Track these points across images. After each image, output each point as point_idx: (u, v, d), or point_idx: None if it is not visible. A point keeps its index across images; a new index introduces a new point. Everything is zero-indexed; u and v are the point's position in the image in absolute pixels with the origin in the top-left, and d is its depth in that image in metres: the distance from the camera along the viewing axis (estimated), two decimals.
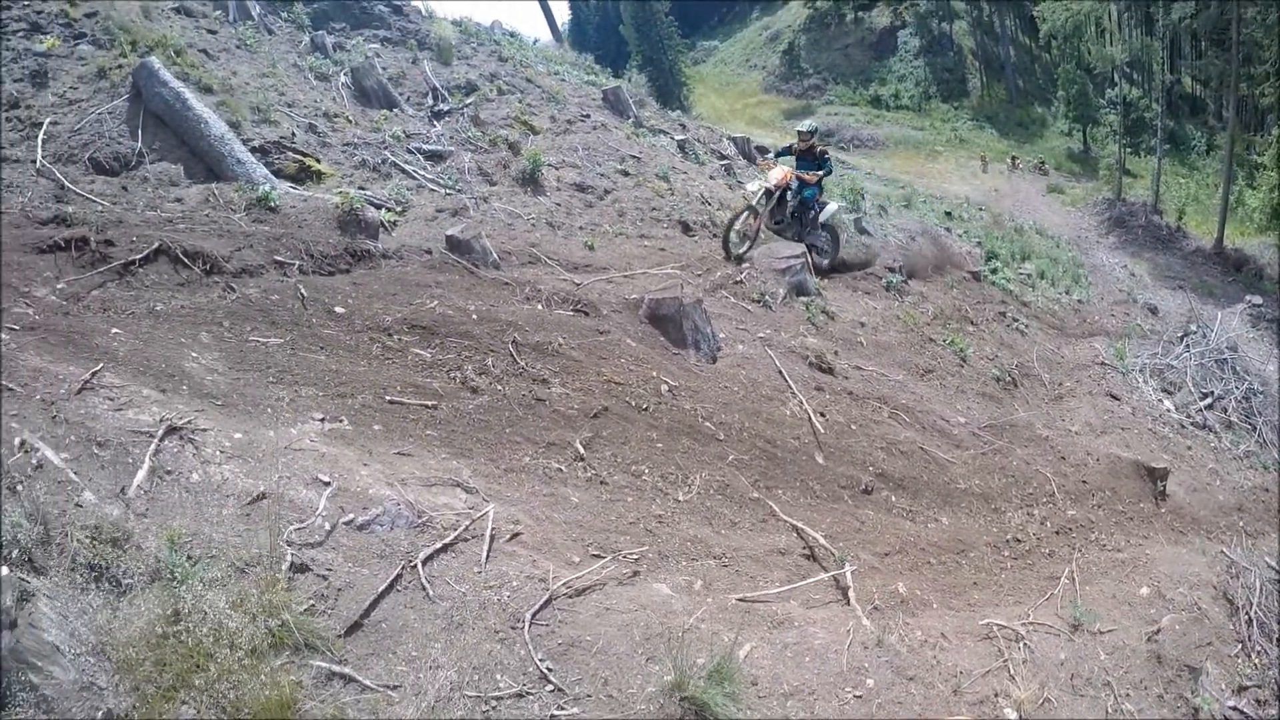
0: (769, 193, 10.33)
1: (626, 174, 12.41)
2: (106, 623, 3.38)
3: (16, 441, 4.05)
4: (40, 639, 3.18)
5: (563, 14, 49.42)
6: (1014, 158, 33.69)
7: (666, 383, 6.65)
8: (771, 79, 45.11)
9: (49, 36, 9.17)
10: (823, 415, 7.10)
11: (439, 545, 4.22)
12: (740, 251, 9.94)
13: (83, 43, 9.27)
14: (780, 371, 7.52)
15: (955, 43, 41.87)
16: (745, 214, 10.10)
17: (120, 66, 8.80)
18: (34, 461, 3.96)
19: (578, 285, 7.66)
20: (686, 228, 11.36)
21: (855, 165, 28.37)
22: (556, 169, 11.01)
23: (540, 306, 6.93)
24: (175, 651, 3.30)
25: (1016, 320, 12.42)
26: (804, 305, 9.21)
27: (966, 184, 30.11)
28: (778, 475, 6.24)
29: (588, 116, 14.23)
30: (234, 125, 8.17)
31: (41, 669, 3.14)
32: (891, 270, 11.58)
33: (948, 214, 20.88)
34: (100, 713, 3.14)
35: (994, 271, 14.42)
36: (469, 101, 12.00)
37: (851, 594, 5.03)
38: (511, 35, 19.15)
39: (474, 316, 6.23)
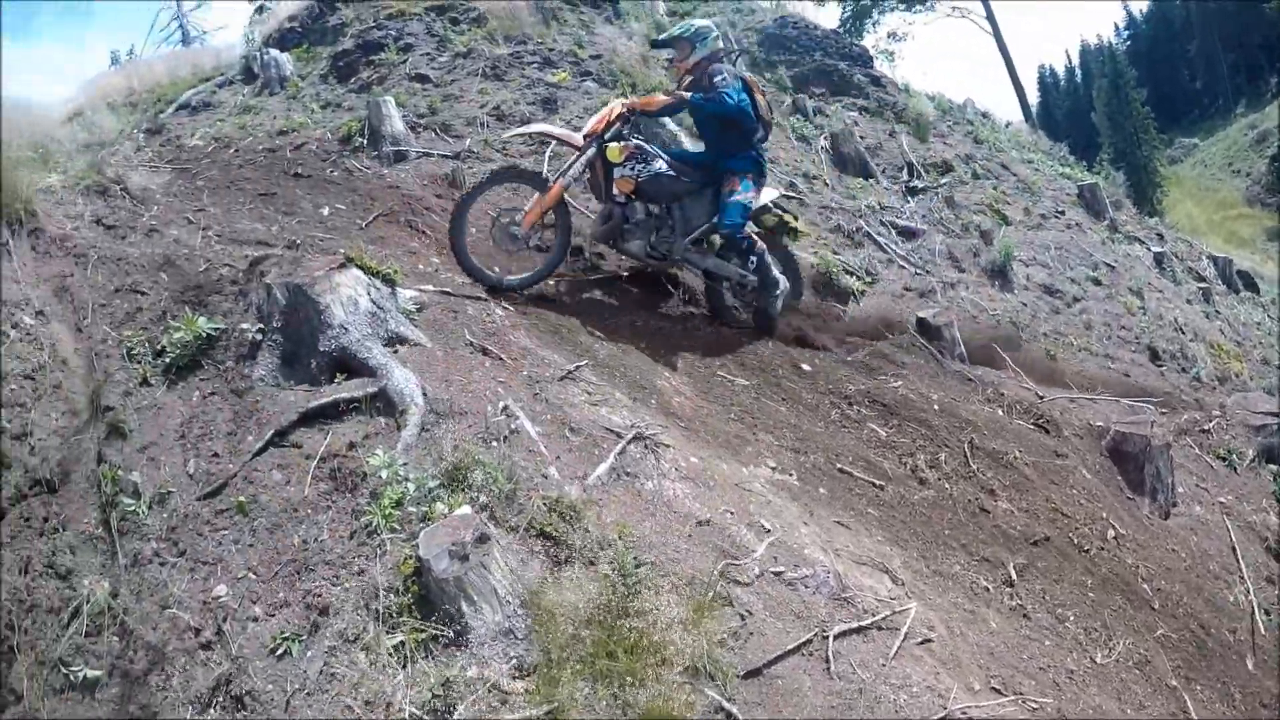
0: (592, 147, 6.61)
1: (1098, 283, 11.74)
2: (539, 585, 3.90)
3: (500, 405, 4.89)
4: (485, 578, 3.77)
5: (1031, 95, 47.87)
6: None
7: (1114, 528, 6.16)
8: (1255, 189, 39.91)
9: (560, 70, 11.09)
10: (1267, 614, 6.15)
11: (854, 625, 4.26)
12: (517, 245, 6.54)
13: (589, 80, 11.10)
14: (1234, 549, 6.66)
15: None
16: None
17: None
18: (512, 426, 4.75)
19: (1040, 398, 7.39)
20: (1155, 355, 10.54)
21: None
22: (1026, 265, 10.72)
23: (1000, 412, 6.78)
24: (595, 631, 3.69)
25: None
26: (1272, 475, 8.04)
27: None
28: (1201, 669, 5.47)
29: (1062, 213, 13.69)
30: None
31: (476, 603, 3.74)
32: None
33: None
34: (511, 661, 3.64)
35: None
36: (943, 181, 12.16)
37: None
38: (984, 116, 19.03)
39: (935, 406, 6.27)
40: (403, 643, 3.75)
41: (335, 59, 11.55)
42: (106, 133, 10.26)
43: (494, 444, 4.56)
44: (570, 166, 6.61)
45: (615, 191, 6.60)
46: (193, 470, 4.62)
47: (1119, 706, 4.88)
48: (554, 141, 7.53)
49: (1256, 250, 30.03)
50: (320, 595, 4.07)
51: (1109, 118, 40.77)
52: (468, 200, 6.53)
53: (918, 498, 5.56)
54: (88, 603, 4.29)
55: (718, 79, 6.41)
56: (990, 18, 26.32)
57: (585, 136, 6.61)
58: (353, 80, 11.09)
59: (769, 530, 4.65)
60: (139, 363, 5.14)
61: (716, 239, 6.83)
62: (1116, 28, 44.19)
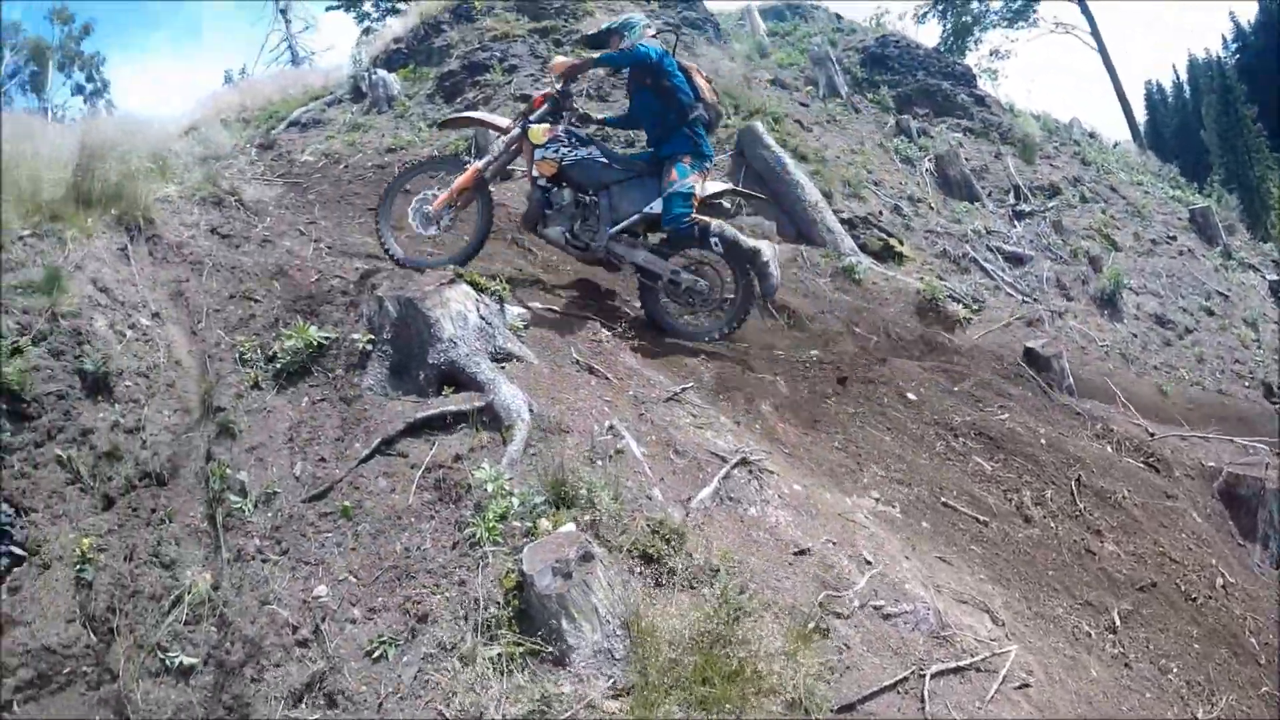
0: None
1: (1210, 313, 11.27)
2: (640, 607, 3.87)
3: (606, 424, 4.94)
4: (587, 596, 3.77)
5: (1139, 112, 45.80)
6: None
7: (1223, 576, 5.85)
8: None
9: None
10: None
11: (952, 665, 4.14)
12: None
13: None
14: None
15: None
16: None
17: (725, 126, 10.29)
18: (617, 446, 4.79)
19: (1151, 436, 7.10)
20: (1270, 391, 10.00)
21: None
22: (1136, 294, 10.32)
23: (1109, 448, 6.54)
24: (694, 657, 3.67)
25: None
26: None
27: None
28: None
29: (1173, 239, 13.15)
30: (826, 195, 9.07)
31: (576, 621, 3.74)
32: None
33: None
34: (608, 681, 3.63)
35: None
36: (1050, 205, 11.80)
37: None
38: (1091, 136, 18.43)
39: (1042, 441, 6.08)
40: (500, 655, 3.77)
41: (441, 79, 11.85)
42: (220, 147, 10.69)
43: (599, 463, 4.61)
44: (492, 150, 6.50)
45: (535, 174, 6.38)
46: (299, 473, 4.77)
47: None
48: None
49: None
50: (419, 602, 4.14)
51: (1219, 136, 38.69)
52: (392, 187, 6.56)
53: (1022, 536, 5.41)
54: (189, 593, 4.49)
55: (630, 41, 6.32)
56: (1095, 33, 25.47)
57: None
58: (458, 100, 11.37)
59: (870, 563, 4.58)
60: (251, 367, 5.36)
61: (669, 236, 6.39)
62: (1224, 40, 41.86)
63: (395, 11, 19.11)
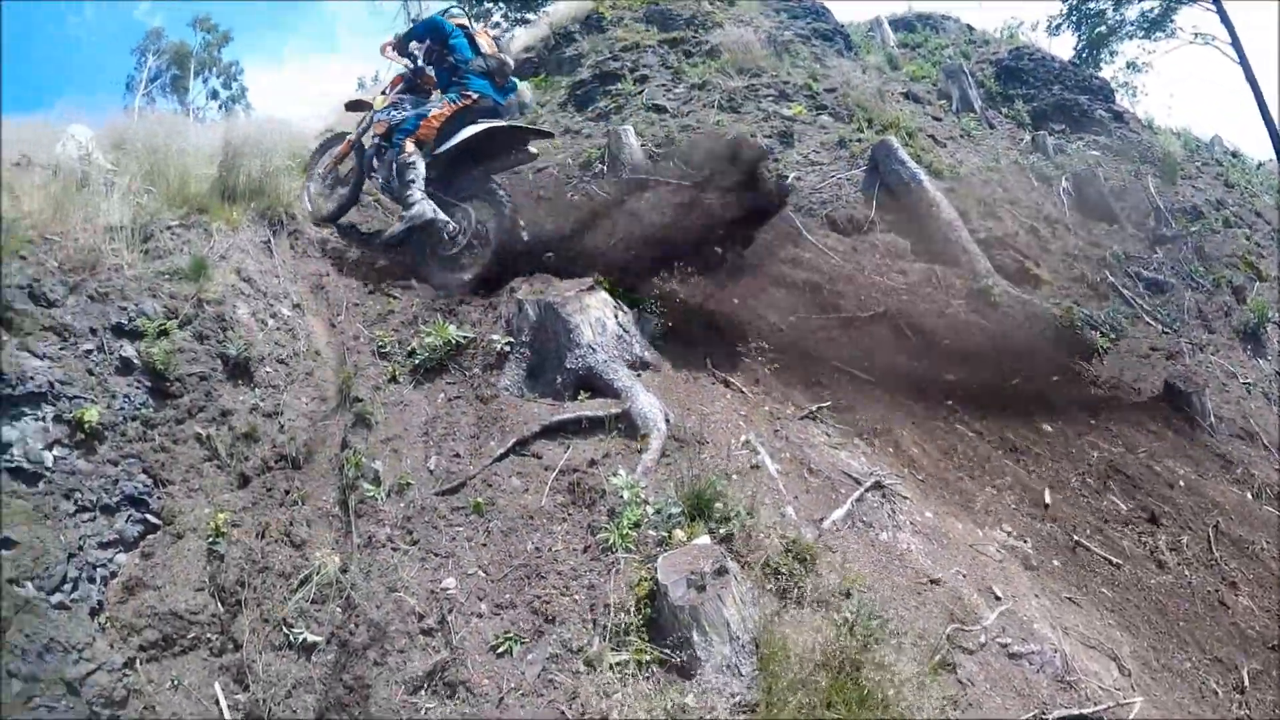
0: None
1: None
2: (770, 624, 3.82)
3: (742, 439, 4.91)
4: (719, 610, 3.76)
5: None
6: None
7: None
8: None
9: (795, 104, 10.94)
10: None
11: (1076, 712, 4.01)
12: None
13: (824, 114, 10.90)
14: None
15: None
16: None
17: (859, 140, 10.13)
18: (753, 461, 4.77)
19: None
20: None
21: None
22: None
23: (1249, 495, 6.14)
24: (823, 678, 3.61)
25: None
26: None
27: None
28: None
29: None
30: (961, 213, 8.76)
31: (707, 634, 3.73)
32: None
33: None
34: (734, 697, 3.60)
35: None
36: (1192, 229, 11.10)
37: None
38: (1234, 156, 17.26)
39: (1180, 483, 5.77)
40: (628, 661, 3.80)
41: (573, 88, 11.88)
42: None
43: (734, 477, 4.57)
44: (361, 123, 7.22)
45: (372, 134, 7.01)
46: (433, 466, 4.88)
47: None
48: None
49: None
50: (548, 602, 4.19)
51: None
52: (311, 161, 7.47)
53: (1154, 582, 5.15)
54: (318, 573, 4.65)
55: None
56: (1236, 44, 23.77)
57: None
58: (590, 109, 11.39)
59: (999, 599, 4.46)
60: (389, 361, 5.53)
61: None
62: None
63: (525, 22, 19.38)
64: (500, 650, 4.04)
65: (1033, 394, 6.26)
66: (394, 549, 4.60)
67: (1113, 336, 7.75)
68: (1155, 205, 11.25)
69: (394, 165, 6.59)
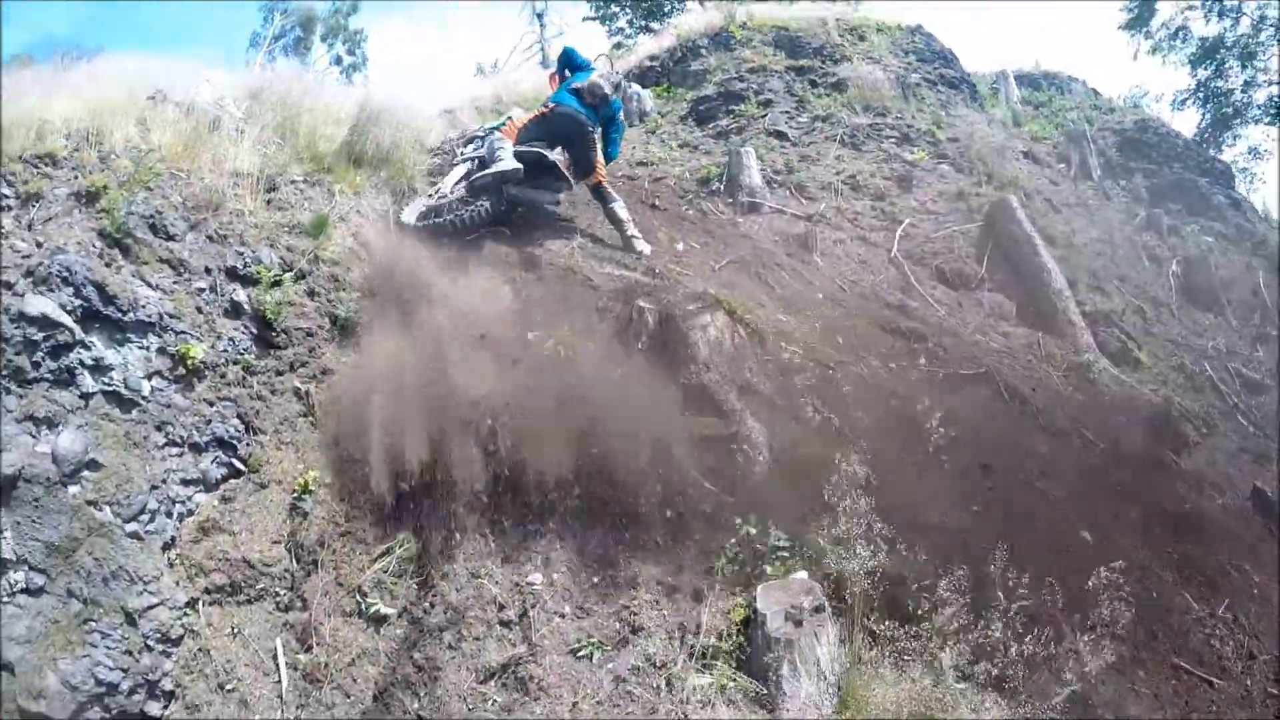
0: None
1: None
2: (857, 671, 3.93)
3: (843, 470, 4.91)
4: (813, 647, 3.88)
5: None
6: None
7: None
8: None
9: (918, 149, 11.01)
10: None
11: None
12: None
13: (944, 163, 10.94)
14: None
15: None
16: None
17: (977, 194, 10.15)
18: (847, 505, 4.66)
19: None
20: None
21: None
22: None
23: None
24: None
25: None
26: None
27: None
28: None
29: None
30: (1071, 283, 8.77)
31: (796, 669, 3.84)
32: None
33: None
34: None
35: None
36: None
37: None
38: None
39: (1256, 591, 5.73)
40: (711, 684, 3.89)
41: (696, 103, 12.04)
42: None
43: (825, 517, 4.55)
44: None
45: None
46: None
47: None
48: None
49: None
50: (636, 614, 4.23)
51: None
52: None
53: (1218, 683, 5.15)
54: (401, 546, 4.72)
55: None
56: None
57: None
58: (710, 125, 11.53)
59: (1069, 680, 4.45)
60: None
61: None
62: None
63: (649, 30, 19.58)
64: (580, 653, 4.10)
65: (1118, 478, 6.28)
66: (481, 534, 4.65)
67: (1204, 431, 7.72)
68: (1263, 301, 11.05)
69: (488, 145, 7.02)
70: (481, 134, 7.59)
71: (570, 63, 7.51)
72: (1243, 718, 4.95)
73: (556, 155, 6.93)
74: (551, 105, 7.13)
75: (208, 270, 5.33)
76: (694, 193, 9.48)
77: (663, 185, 9.50)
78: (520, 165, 6.74)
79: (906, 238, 9.25)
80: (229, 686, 4.31)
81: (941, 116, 12.05)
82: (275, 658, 4.44)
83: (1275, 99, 21.50)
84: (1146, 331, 9.08)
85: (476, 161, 7.09)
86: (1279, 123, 21.60)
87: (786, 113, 11.61)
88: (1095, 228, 10.79)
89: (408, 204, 7.04)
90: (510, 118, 7.55)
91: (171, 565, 4.49)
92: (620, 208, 7.30)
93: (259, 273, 5.48)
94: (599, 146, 7.29)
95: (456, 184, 7.02)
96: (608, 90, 7.19)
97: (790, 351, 6.12)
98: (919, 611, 4.29)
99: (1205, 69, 21.96)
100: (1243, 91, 21.84)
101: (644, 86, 12.95)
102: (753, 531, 4.53)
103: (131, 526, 4.39)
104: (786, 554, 4.45)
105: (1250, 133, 22.67)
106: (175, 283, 5.16)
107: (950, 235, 9.41)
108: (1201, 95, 22.23)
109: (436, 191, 6.95)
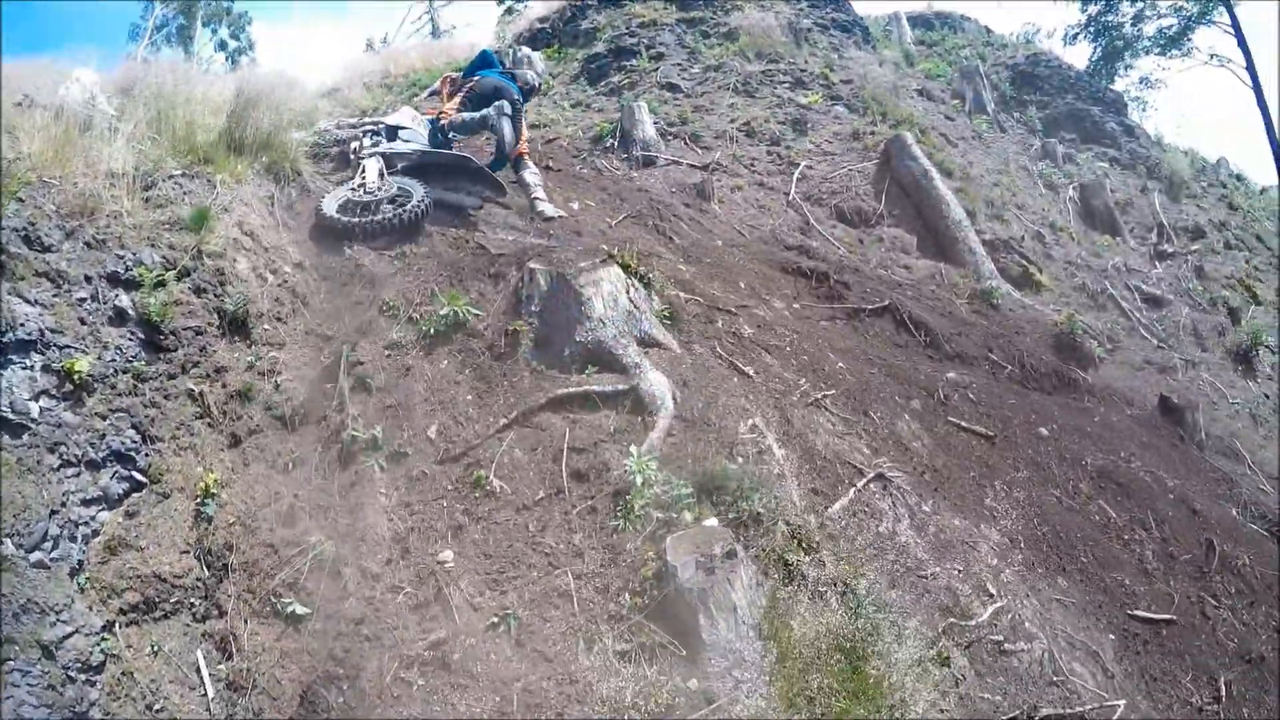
0: None
1: None
2: (775, 612, 3.84)
3: (749, 422, 4.85)
4: (727, 594, 3.75)
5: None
6: None
7: None
8: None
9: (811, 93, 10.92)
10: None
11: (1063, 711, 4.09)
12: None
13: (839, 105, 10.88)
14: None
15: None
16: None
17: (873, 133, 10.11)
18: (761, 445, 4.71)
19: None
20: None
21: None
22: (1274, 353, 9.76)
23: (1235, 511, 6.19)
24: (829, 663, 3.67)
25: None
26: None
27: None
28: None
29: None
30: (970, 214, 8.77)
31: (714, 618, 3.72)
32: None
33: None
34: (741, 685, 3.60)
35: None
36: (1194, 248, 11.20)
37: None
38: (1238, 179, 17.33)
39: (1170, 496, 5.80)
40: (631, 643, 3.77)
41: (587, 61, 11.81)
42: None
43: (740, 460, 4.54)
44: None
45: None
46: (434, 435, 4.75)
47: None
48: None
49: None
50: (551, 581, 4.12)
51: None
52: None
53: (1142, 590, 5.18)
54: (311, 543, 4.49)
55: None
56: (1250, 68, 23.55)
57: None
58: (602, 83, 11.32)
59: (993, 596, 4.47)
60: (396, 326, 5.34)
61: None
62: None
63: None
64: (499, 628, 3.96)
65: (1033, 399, 6.28)
66: (390, 519, 4.50)
67: (1110, 347, 7.82)
68: (1159, 221, 11.30)
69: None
70: (376, 129, 7.21)
71: (487, 64, 7.60)
72: (1170, 615, 5.08)
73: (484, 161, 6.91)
74: (477, 78, 7.20)
75: (88, 278, 4.99)
76: (587, 151, 9.29)
77: (556, 146, 9.32)
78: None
79: (804, 180, 9.16)
80: (157, 706, 4.11)
81: (835, 60, 12.00)
82: (198, 670, 4.28)
83: (1164, 30, 22.09)
84: (1047, 255, 9.19)
85: (418, 154, 6.89)
86: (1169, 53, 22.21)
87: (679, 65, 11.45)
88: (991, 159, 10.91)
89: (325, 194, 6.63)
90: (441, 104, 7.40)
91: (82, 590, 4.21)
92: (531, 174, 7.24)
93: (141, 275, 5.15)
94: (524, 119, 7.32)
95: (380, 179, 6.64)
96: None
97: (690, 299, 5.96)
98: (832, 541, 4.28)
99: (1095, 4, 22.43)
100: (1133, 24, 22.37)
101: (535, 48, 12.68)
102: (655, 483, 4.35)
103: (35, 556, 4.12)
104: (693, 501, 4.28)
105: (1141, 64, 23.32)
106: (55, 295, 4.82)
107: (847, 174, 9.35)
108: (1092, 30, 22.67)
109: (361, 186, 6.53)
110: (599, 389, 4.93)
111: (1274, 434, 8.42)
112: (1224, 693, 4.87)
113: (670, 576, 3.83)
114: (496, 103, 6.91)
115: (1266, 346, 9.64)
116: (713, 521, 4.13)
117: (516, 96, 7.15)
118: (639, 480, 4.34)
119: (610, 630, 3.87)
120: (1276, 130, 16.50)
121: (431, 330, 5.25)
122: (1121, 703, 4.32)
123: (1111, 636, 4.84)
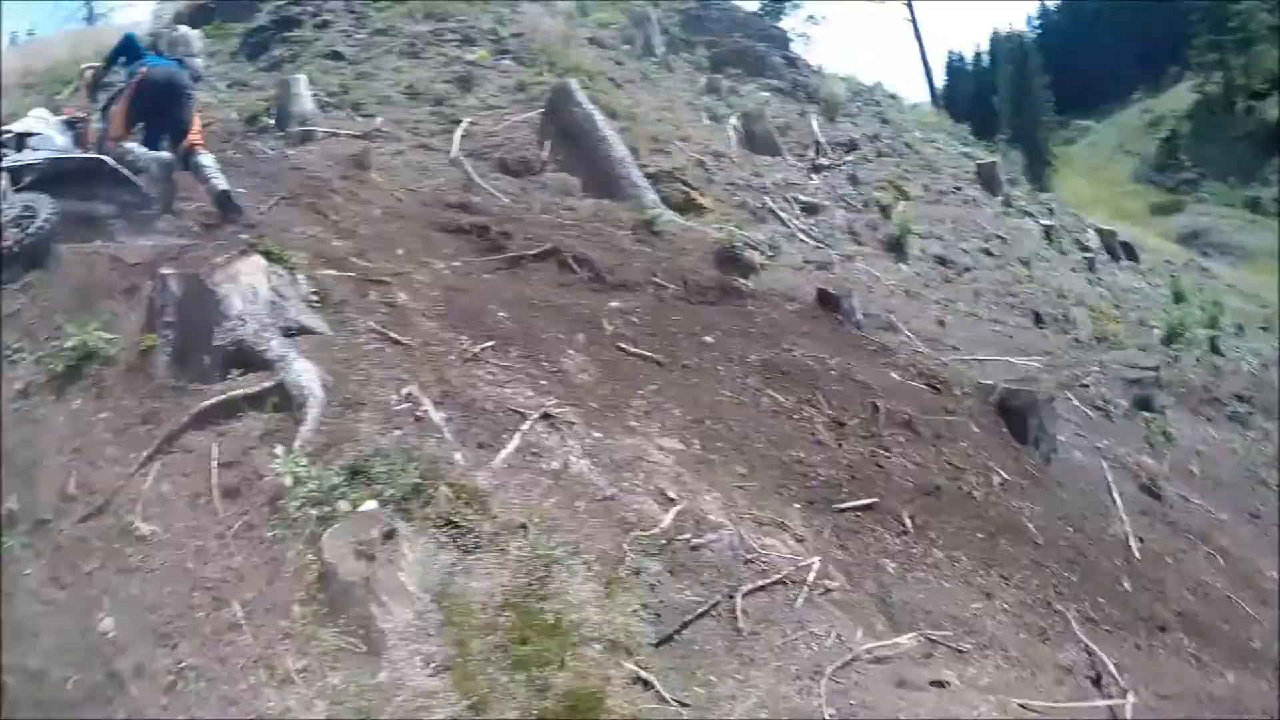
0: None
1: (989, 254, 12.20)
2: (450, 577, 3.73)
3: (404, 391, 4.66)
4: (393, 575, 3.58)
5: (940, 81, 48.58)
6: None
7: (1000, 475, 6.31)
8: (1144, 169, 41.83)
9: (480, 49, 10.85)
10: (1140, 540, 6.43)
11: (760, 584, 4.27)
12: None
13: (507, 58, 10.94)
14: (1110, 487, 6.99)
15: None
16: None
17: (539, 83, 10.21)
18: (417, 413, 4.53)
19: (934, 361, 7.57)
20: (1039, 319, 10.97)
21: (1217, 275, 24.30)
22: (922, 238, 10.97)
23: (895, 375, 6.90)
24: (509, 618, 3.58)
25: None
26: (1144, 421, 8.67)
27: None
28: (1083, 592, 5.71)
29: (959, 189, 14.07)
30: (633, 150, 9.06)
31: (385, 604, 3.52)
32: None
33: None
34: (429, 662, 3.43)
35: None
36: (849, 159, 12.32)
37: None
38: (892, 98, 19.29)
39: (833, 372, 6.33)
40: (310, 658, 3.47)
41: (248, 36, 11.07)
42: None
43: (397, 432, 4.36)
44: None
45: None
46: (73, 489, 4.17)
47: (1011, 633, 5.01)
48: None
49: (1140, 224, 30.86)
50: (220, 615, 3.70)
51: (1011, 100, 41.95)
52: None
53: (818, 459, 5.60)
54: None
55: None
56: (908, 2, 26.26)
57: None
58: (263, 58, 10.68)
59: (674, 500, 4.60)
60: (17, 369, 4.63)
61: None
62: (1029, 19, 45.05)
63: None
64: (177, 686, 3.46)
65: (695, 311, 6.60)
66: (43, 604, 3.81)
67: (770, 254, 8.42)
68: (816, 139, 12.30)
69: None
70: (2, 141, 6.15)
71: (131, 51, 6.78)
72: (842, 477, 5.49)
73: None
74: (145, 68, 6.45)
75: None
76: (240, 133, 8.69)
77: (208, 132, 8.47)
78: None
79: (469, 136, 9.08)
80: None
81: (505, 14, 11.93)
82: None
83: None
84: (709, 180, 9.71)
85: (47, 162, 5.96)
86: None
87: (344, 31, 11.02)
88: (657, 98, 11.32)
89: None
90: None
91: None
92: (206, 157, 6.60)
93: None
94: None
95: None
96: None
97: (342, 277, 5.67)
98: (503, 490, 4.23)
99: None
100: None
101: (196, 26, 11.62)
102: (308, 479, 4.04)
103: None
104: (348, 489, 4.01)
105: (809, 6, 25.49)
106: None
107: (512, 126, 9.38)
108: None
109: None
110: (243, 392, 4.51)
111: (928, 305, 9.50)
112: (909, 525, 5.39)
113: (332, 574, 3.60)
114: (160, 160, 6.21)
115: (916, 234, 10.83)
116: (371, 505, 3.90)
117: (191, 90, 6.66)
118: (290, 481, 4.01)
119: (289, 649, 3.53)
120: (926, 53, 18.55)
121: (60, 367, 4.55)
122: (816, 559, 4.57)
123: (797, 506, 5.21)
